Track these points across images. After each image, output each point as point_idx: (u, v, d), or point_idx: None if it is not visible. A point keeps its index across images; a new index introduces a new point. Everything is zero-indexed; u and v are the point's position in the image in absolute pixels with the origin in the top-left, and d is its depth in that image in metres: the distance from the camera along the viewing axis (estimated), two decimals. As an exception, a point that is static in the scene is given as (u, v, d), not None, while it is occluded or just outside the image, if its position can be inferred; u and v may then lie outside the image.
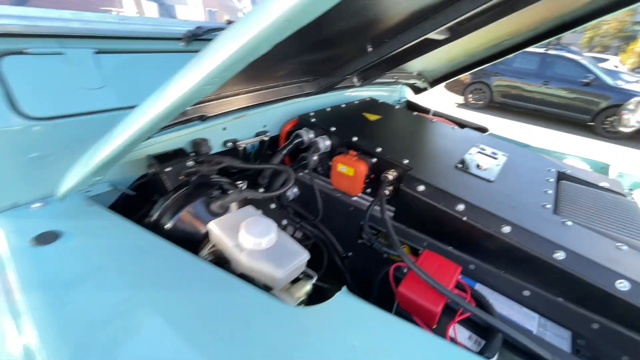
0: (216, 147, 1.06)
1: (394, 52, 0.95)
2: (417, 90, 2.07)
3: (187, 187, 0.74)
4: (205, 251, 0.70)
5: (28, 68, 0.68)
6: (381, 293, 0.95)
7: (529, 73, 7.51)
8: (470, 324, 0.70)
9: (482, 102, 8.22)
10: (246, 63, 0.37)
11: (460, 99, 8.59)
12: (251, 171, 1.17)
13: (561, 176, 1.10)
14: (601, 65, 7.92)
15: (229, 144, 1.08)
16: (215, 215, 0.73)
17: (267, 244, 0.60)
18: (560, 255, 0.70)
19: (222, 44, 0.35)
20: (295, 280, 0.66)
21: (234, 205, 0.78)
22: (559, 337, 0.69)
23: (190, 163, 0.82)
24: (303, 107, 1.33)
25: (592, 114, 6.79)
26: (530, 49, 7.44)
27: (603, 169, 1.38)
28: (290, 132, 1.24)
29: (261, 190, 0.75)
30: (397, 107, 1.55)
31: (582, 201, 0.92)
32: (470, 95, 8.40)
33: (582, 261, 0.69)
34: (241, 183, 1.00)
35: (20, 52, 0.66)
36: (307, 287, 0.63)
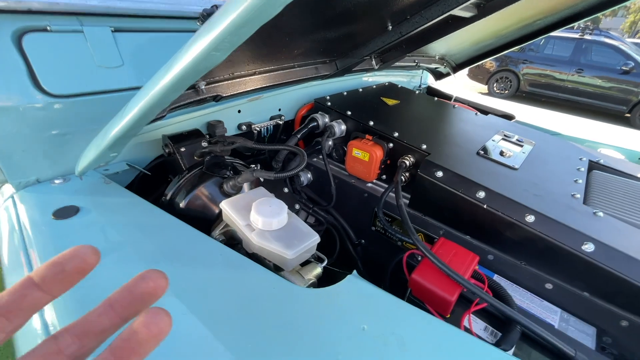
0: (231, 130, 1.06)
1: (416, 31, 0.90)
2: (439, 75, 1.98)
3: (200, 166, 0.74)
4: (217, 231, 0.71)
5: (49, 45, 0.69)
6: (394, 281, 0.94)
7: (561, 60, 7.03)
8: (486, 315, 0.67)
9: (507, 91, 7.82)
10: (256, 26, 0.35)
11: (484, 88, 8.20)
12: (264, 153, 1.16)
13: (593, 166, 1.03)
14: (644, 51, 7.31)
15: (244, 127, 1.08)
16: (228, 195, 0.73)
17: (278, 225, 0.59)
18: (589, 247, 0.66)
19: (229, 6, 0.34)
20: (306, 263, 0.66)
21: (246, 187, 0.78)
22: (583, 333, 0.65)
23: (204, 143, 0.83)
24: (319, 91, 1.30)
25: (630, 105, 6.31)
26: (565, 34, 6.96)
27: (641, 160, 1.27)
28: (305, 117, 1.22)
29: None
30: (417, 92, 1.49)
31: (615, 192, 0.85)
32: (495, 84, 8.00)
33: (613, 254, 0.64)
34: (255, 166, 1.00)
35: (41, 30, 0.67)
36: (317, 269, 0.63)
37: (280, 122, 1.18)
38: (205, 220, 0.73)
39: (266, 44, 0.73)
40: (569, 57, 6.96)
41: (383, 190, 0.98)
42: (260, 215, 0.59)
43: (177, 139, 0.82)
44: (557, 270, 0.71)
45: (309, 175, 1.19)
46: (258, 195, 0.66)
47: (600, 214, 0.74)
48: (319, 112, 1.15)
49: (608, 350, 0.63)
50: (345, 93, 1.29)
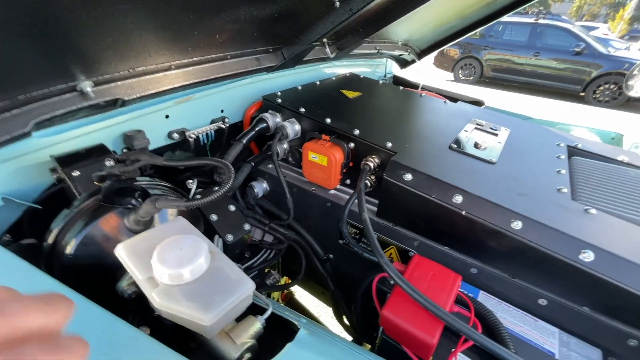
0: (159, 139, 0.87)
1: (368, 8, 0.75)
2: (404, 63, 1.87)
3: (97, 195, 0.55)
4: (124, 282, 0.52)
5: None
6: (368, 306, 0.80)
7: (520, 45, 7.29)
8: (477, 351, 0.54)
9: (472, 77, 8.02)
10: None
11: (450, 76, 8.36)
12: (201, 168, 0.98)
13: (572, 151, 0.94)
14: (591, 33, 7.73)
15: (175, 135, 0.89)
16: (133, 232, 0.55)
17: (192, 274, 0.42)
18: (588, 255, 0.54)
19: None
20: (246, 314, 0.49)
21: (157, 217, 0.60)
22: (587, 359, 0.55)
23: (109, 163, 0.63)
24: (270, 86, 1.13)
25: (584, 84, 6.66)
26: (520, 19, 7.23)
27: (615, 140, 1.22)
28: (255, 117, 1.05)
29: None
30: (381, 82, 1.36)
31: (602, 181, 0.76)
32: (460, 71, 8.17)
33: (616, 262, 0.53)
34: (192, 182, 0.81)
35: None
36: (256, 326, 0.47)
37: (224, 126, 1.00)
38: (106, 269, 0.54)
39: (174, 26, 0.55)
40: (526, 42, 7.23)
41: (347, 197, 0.83)
42: (165, 264, 0.42)
43: (70, 159, 0.62)
44: (551, 283, 0.60)
45: (265, 185, 1.02)
46: (170, 231, 0.49)
47: (593, 211, 0.64)
48: (269, 111, 0.98)
49: (620, 381, 0.52)
50: (300, 87, 1.13)
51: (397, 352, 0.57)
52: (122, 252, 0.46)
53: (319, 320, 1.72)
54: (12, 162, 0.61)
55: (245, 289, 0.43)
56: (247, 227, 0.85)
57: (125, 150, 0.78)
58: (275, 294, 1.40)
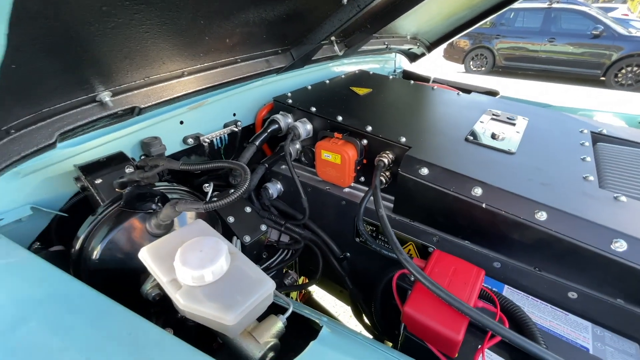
0: (175, 146, 0.89)
1: (376, 3, 0.74)
2: (414, 57, 1.84)
3: (119, 202, 0.57)
4: (149, 284, 0.54)
5: None
6: (388, 304, 0.79)
7: (533, 31, 7.04)
8: (505, 347, 0.53)
9: (484, 67, 7.81)
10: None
11: (461, 67, 8.17)
12: (217, 171, 0.99)
13: (596, 137, 0.90)
14: (610, 14, 7.38)
15: (190, 141, 0.90)
16: (155, 236, 0.56)
17: (214, 275, 0.43)
18: (620, 245, 0.52)
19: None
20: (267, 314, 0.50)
21: (177, 222, 0.61)
22: (624, 354, 0.52)
23: (129, 170, 0.65)
24: (280, 88, 1.14)
25: (604, 68, 6.36)
26: (533, 4, 6.98)
27: (642, 124, 1.16)
28: (266, 119, 1.05)
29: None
30: (391, 77, 1.34)
31: (631, 167, 0.72)
32: (471, 62, 7.97)
33: (652, 251, 0.51)
34: (208, 186, 0.83)
35: None
36: (278, 325, 0.47)
37: (237, 129, 1.01)
38: (131, 273, 0.56)
39: (186, 33, 0.56)
40: (540, 27, 6.97)
41: (362, 195, 0.82)
42: (187, 265, 0.42)
43: (92, 168, 0.64)
44: (582, 275, 0.57)
45: (279, 186, 1.03)
46: (191, 233, 0.50)
47: (623, 198, 0.61)
48: (280, 112, 0.98)
49: (662, 377, 0.49)
50: (309, 87, 1.13)
51: (421, 349, 0.56)
52: (145, 256, 0.47)
53: (337, 319, 1.72)
54: (39, 173, 0.64)
55: (265, 288, 0.43)
56: (263, 228, 0.85)
57: (143, 157, 0.80)
58: (293, 294, 1.40)
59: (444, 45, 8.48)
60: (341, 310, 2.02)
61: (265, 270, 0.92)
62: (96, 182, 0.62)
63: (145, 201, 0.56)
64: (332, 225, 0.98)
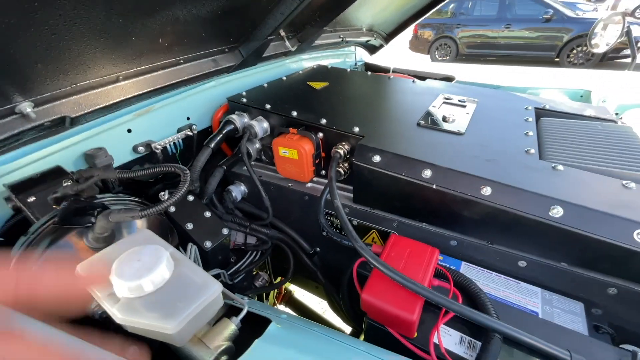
0: (124, 155, 0.84)
1: (317, -7, 0.74)
2: (373, 49, 1.86)
3: (53, 217, 0.53)
4: (94, 303, 0.51)
5: None
6: (355, 293, 0.79)
7: (491, 19, 7.35)
8: (460, 321, 0.54)
9: (448, 57, 8.06)
10: None
11: (427, 58, 8.39)
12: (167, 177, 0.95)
13: (540, 113, 0.94)
14: (559, -1, 7.83)
15: (141, 149, 0.86)
16: (97, 251, 0.53)
17: (154, 284, 0.41)
18: (557, 211, 0.54)
19: None
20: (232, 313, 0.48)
21: (125, 232, 0.58)
22: (570, 314, 0.55)
23: (67, 184, 0.61)
24: (236, 87, 1.11)
25: (557, 50, 6.74)
26: (488, -7, 7.16)
27: (584, 97, 1.23)
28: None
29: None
30: (349, 70, 1.35)
31: (569, 137, 0.76)
32: (436, 52, 8.21)
33: (585, 214, 0.53)
34: (164, 194, 0.80)
35: None
36: (230, 328, 0.45)
37: (192, 133, 0.98)
38: (72, 292, 0.52)
39: (104, 33, 0.52)
40: (497, 15, 7.29)
41: (323, 188, 0.82)
42: (122, 277, 0.40)
43: (24, 186, 0.60)
44: (528, 244, 0.59)
45: (242, 188, 1.01)
46: (132, 243, 0.47)
47: (560, 167, 0.64)
48: (236, 112, 0.96)
49: (602, 330, 0.52)
50: (266, 85, 1.11)
51: (384, 334, 0.56)
52: (81, 272, 0.44)
53: (322, 316, 1.72)
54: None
55: (210, 291, 0.42)
56: (225, 231, 0.83)
57: (74, 172, 0.76)
58: (271, 296, 1.39)
59: (409, 37, 8.63)
60: (326, 306, 2.02)
61: (234, 273, 0.90)
62: (29, 200, 0.58)
63: (83, 215, 0.53)
64: (299, 221, 0.97)
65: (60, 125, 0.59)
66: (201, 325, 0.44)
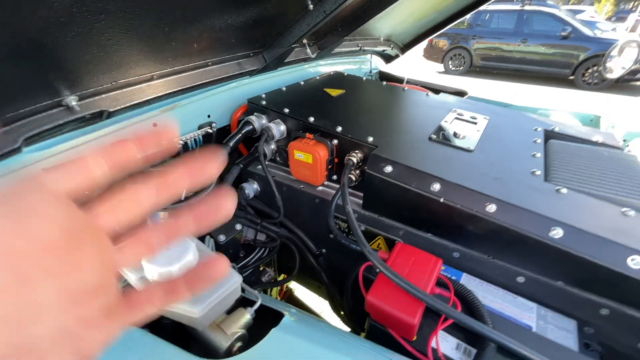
0: (148, 147, 0.89)
1: (342, 7, 0.78)
2: (389, 58, 1.89)
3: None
4: (119, 285, 0.55)
5: None
6: (358, 295, 0.83)
7: (507, 32, 7.33)
8: (458, 328, 0.57)
9: (462, 67, 8.06)
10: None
11: (440, 67, 8.39)
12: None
13: (549, 135, 0.97)
14: (578, 17, 7.78)
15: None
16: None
17: (182, 271, 0.45)
18: (557, 232, 0.58)
19: None
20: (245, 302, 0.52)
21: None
22: (563, 330, 0.58)
23: (99, 173, 0.66)
24: (256, 89, 1.15)
25: (572, 67, 6.70)
26: (506, 6, 7.29)
27: (594, 122, 1.25)
28: (242, 120, 1.07)
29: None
30: (364, 78, 1.39)
31: (575, 161, 0.79)
32: (450, 62, 8.20)
33: (583, 237, 0.57)
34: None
35: None
36: (245, 317, 0.50)
37: (211, 130, 1.02)
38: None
39: (151, 39, 0.57)
40: (513, 29, 7.26)
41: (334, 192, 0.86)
42: (154, 263, 0.44)
43: None
44: (527, 261, 0.63)
45: (255, 186, 1.05)
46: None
47: (564, 190, 0.67)
48: (255, 114, 1.01)
49: (592, 348, 0.55)
50: (284, 88, 1.15)
51: (385, 335, 0.60)
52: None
53: (320, 315, 1.75)
54: (4, 178, 0.64)
55: (232, 282, 0.46)
56: (238, 227, 0.87)
57: None
58: (274, 292, 1.43)
59: (424, 45, 8.64)
60: (325, 307, 2.06)
61: (242, 268, 0.94)
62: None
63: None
64: (308, 222, 1.01)
65: (97, 118, 0.64)
66: (221, 312, 0.48)
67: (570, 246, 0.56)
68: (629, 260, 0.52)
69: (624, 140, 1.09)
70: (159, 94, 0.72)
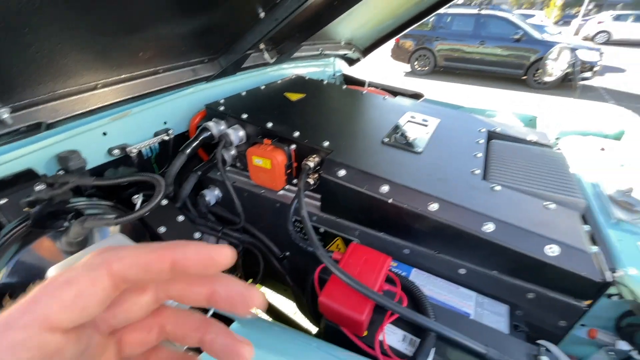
0: (98, 157, 0.86)
1: (294, 14, 0.79)
2: (351, 61, 1.94)
3: (26, 221, 0.55)
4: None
5: None
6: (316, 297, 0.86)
7: (467, 35, 7.75)
8: (404, 321, 0.61)
9: (427, 67, 8.39)
10: None
11: (407, 67, 8.68)
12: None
13: (492, 135, 1.06)
14: (529, 21, 8.39)
15: (116, 152, 0.88)
16: (70, 254, 0.56)
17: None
18: (489, 227, 0.64)
19: None
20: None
21: (104, 236, 0.61)
22: (496, 315, 0.64)
23: (39, 187, 0.63)
24: (215, 94, 1.14)
25: (524, 68, 7.23)
26: (465, 10, 7.68)
27: (532, 122, 1.38)
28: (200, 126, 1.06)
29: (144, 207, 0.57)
30: (325, 82, 1.42)
31: (510, 160, 0.87)
32: (415, 62, 8.51)
33: (510, 230, 0.63)
34: (137, 197, 0.82)
35: None
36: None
37: (167, 137, 1.00)
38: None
39: (88, 50, 0.56)
40: (472, 31, 7.70)
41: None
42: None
43: None
44: (467, 254, 0.68)
45: (217, 192, 1.04)
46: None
47: (498, 187, 0.74)
48: (213, 119, 1.00)
49: (520, 329, 0.62)
50: (244, 93, 1.15)
51: (339, 333, 0.63)
52: (52, 275, 0.47)
53: (292, 318, 1.77)
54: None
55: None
56: (197, 235, 0.87)
57: (60, 173, 0.76)
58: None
59: (391, 46, 8.87)
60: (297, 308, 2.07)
61: (204, 276, 0.93)
62: (0, 202, 0.59)
63: (57, 219, 0.55)
64: (271, 226, 1.02)
65: (34, 130, 0.61)
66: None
67: (500, 238, 0.62)
68: (546, 248, 0.59)
69: (557, 139, 1.21)
70: (106, 103, 0.70)
